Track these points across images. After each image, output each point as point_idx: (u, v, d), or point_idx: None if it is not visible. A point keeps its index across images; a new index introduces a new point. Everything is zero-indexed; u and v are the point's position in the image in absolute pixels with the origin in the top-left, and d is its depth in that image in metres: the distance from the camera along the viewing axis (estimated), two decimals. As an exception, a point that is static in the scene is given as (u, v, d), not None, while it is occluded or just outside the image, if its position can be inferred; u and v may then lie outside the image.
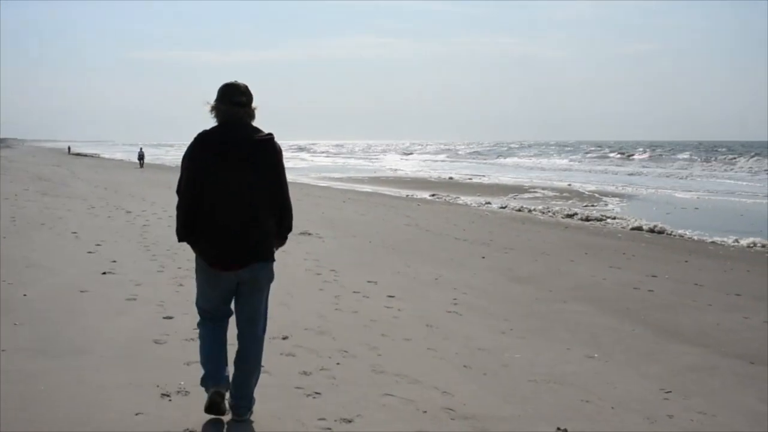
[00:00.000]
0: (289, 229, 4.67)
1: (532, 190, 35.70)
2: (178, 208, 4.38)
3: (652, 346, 7.41)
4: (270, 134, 4.42)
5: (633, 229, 20.43)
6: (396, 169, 59.99)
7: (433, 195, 31.33)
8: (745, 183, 43.81)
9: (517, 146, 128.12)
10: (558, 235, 17.72)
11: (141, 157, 52.90)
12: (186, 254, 10.18)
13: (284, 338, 6.62)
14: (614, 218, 22.80)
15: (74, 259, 10.22)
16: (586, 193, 34.01)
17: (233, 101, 4.33)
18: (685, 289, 10.55)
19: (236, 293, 4.49)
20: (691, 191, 36.51)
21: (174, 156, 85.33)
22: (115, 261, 10.16)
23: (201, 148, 4.34)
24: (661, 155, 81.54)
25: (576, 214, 23.80)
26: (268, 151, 4.39)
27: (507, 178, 47.01)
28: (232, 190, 4.28)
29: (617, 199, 31.00)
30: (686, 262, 13.79)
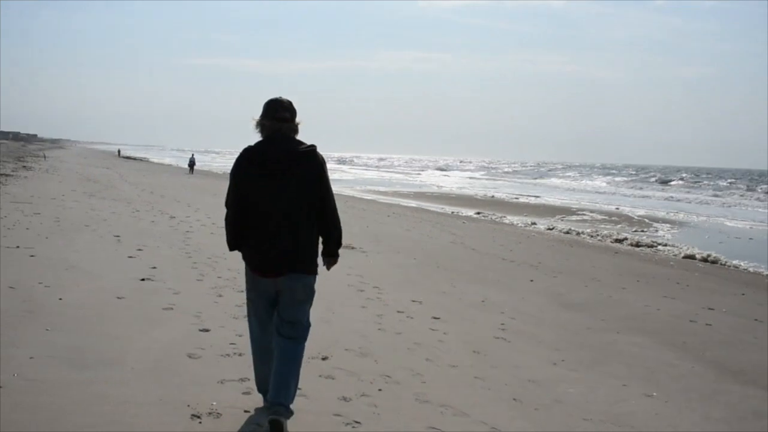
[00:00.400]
0: (339, 243, 4.76)
1: (580, 212, 35.02)
2: (226, 219, 4.62)
3: (713, 386, 6.93)
4: (312, 146, 4.55)
5: (685, 257, 19.84)
6: (440, 186, 59.50)
7: (478, 213, 30.88)
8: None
9: (561, 167, 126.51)
10: (608, 260, 17.16)
11: (192, 163, 52.89)
12: (227, 263, 9.97)
13: (324, 359, 6.29)
14: (665, 245, 22.20)
15: (114, 264, 10.02)
16: (636, 217, 33.26)
17: (277, 117, 4.50)
18: (745, 325, 10.02)
19: (277, 302, 4.63)
20: (742, 220, 35.47)
21: (220, 164, 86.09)
22: (155, 267, 9.93)
23: (246, 163, 4.49)
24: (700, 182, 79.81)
25: (626, 239, 23.20)
26: (310, 162, 4.51)
27: (552, 199, 46.20)
28: (274, 202, 4.41)
29: (668, 225, 30.23)
30: (743, 295, 13.21)
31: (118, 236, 12.86)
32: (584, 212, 35.45)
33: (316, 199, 4.53)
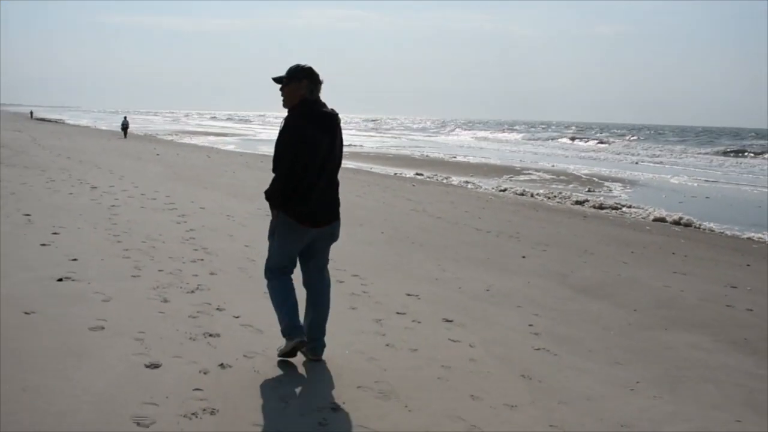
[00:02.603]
0: None
1: (526, 171, 33.67)
2: (285, 178, 4.75)
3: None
4: (336, 111, 5.00)
5: (655, 220, 18.86)
6: (362, 145, 57.21)
7: (418, 174, 29.08)
8: (734, 169, 42.23)
9: (481, 124, 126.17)
10: (583, 226, 15.67)
11: (125, 126, 47.92)
12: (166, 248, 8.11)
13: (334, 409, 4.28)
14: (629, 207, 21.00)
15: (23, 257, 7.79)
16: (584, 177, 31.96)
17: (320, 82, 4.92)
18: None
19: (308, 248, 5.06)
20: (682, 176, 34.68)
21: (158, 127, 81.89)
22: (75, 259, 7.75)
23: (308, 123, 4.80)
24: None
25: (587, 200, 21.92)
26: (339, 124, 5.02)
27: (481, 158, 44.71)
28: (326, 158, 4.86)
29: (618, 184, 29.06)
30: (749, 266, 11.85)
31: (28, 215, 10.52)
32: (529, 171, 34.14)
33: (341, 156, 5.10)
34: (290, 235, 4.91)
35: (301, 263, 5.15)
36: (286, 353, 5.02)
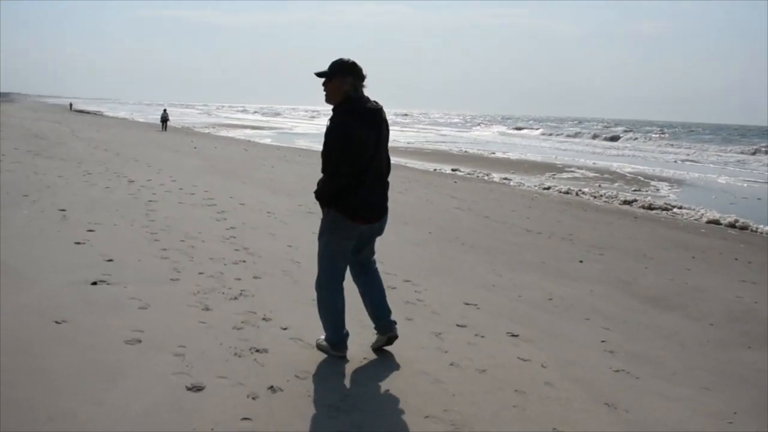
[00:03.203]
0: None
1: (568, 169, 32.82)
2: (335, 176, 4.70)
3: None
4: (381, 105, 4.92)
5: (709, 222, 18.07)
6: (394, 139, 56.58)
7: (454, 170, 28.41)
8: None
9: (529, 120, 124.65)
10: (635, 228, 14.94)
11: (165, 119, 46.75)
12: (206, 247, 7.70)
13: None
14: (680, 207, 20.24)
15: (56, 256, 7.34)
16: (629, 175, 31.07)
17: (364, 77, 4.85)
18: None
19: (359, 243, 5.07)
20: (732, 176, 33.67)
21: (194, 120, 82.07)
22: (111, 260, 7.26)
23: (355, 120, 4.71)
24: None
25: (635, 200, 21.15)
26: (386, 119, 4.96)
27: (524, 154, 43.83)
28: (374, 153, 4.81)
29: (665, 183, 28.16)
30: (820, 273, 10.95)
31: (63, 210, 10.08)
32: (572, 168, 33.31)
33: (387, 151, 5.02)
34: (341, 232, 4.87)
35: (351, 258, 5.14)
36: (321, 349, 5.19)
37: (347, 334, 5.10)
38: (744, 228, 17.26)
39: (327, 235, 4.92)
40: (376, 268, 5.34)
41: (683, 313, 7.72)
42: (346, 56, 4.84)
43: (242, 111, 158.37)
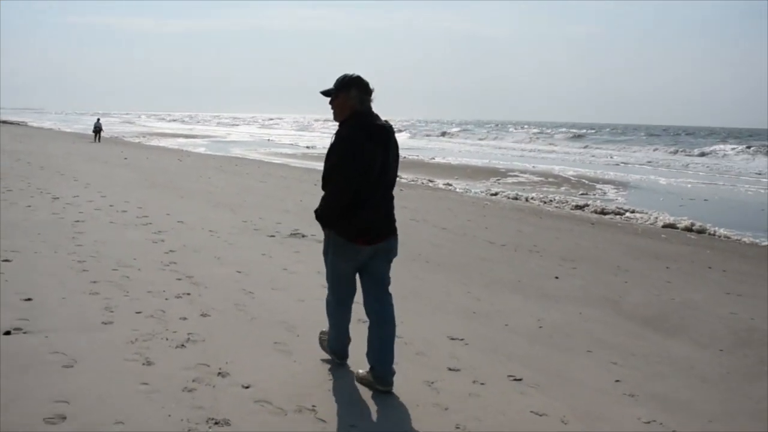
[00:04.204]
0: None
1: (511, 173, 32.26)
2: (339, 194, 4.47)
3: None
4: (390, 123, 4.70)
5: (665, 226, 17.65)
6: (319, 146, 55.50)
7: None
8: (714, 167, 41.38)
9: (456, 127, 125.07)
10: (598, 236, 14.36)
11: (98, 129, 43.84)
12: (143, 276, 6.56)
13: None
14: (633, 212, 19.83)
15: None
16: (572, 179, 30.69)
17: (370, 92, 4.64)
18: None
19: (367, 267, 4.74)
20: (672, 178, 33.64)
21: (124, 129, 79.46)
22: (29, 299, 6.07)
23: (362, 135, 4.49)
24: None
25: (586, 205, 20.69)
26: (394, 136, 4.69)
27: (457, 159, 43.31)
28: (378, 171, 4.51)
29: (610, 186, 27.83)
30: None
31: (-26, 235, 8.74)
32: (515, 173, 32.79)
33: (397, 169, 4.77)
34: (343, 254, 4.66)
35: (362, 284, 4.86)
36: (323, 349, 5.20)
37: (349, 341, 5.07)
38: (701, 231, 16.94)
39: (331, 256, 4.72)
40: (390, 304, 4.87)
41: (687, 337, 6.94)
42: (350, 71, 4.69)
43: (162, 119, 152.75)
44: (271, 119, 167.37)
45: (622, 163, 46.48)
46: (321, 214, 4.59)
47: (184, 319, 5.93)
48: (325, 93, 4.69)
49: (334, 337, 5.02)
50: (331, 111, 4.69)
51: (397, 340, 5.62)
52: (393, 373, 4.75)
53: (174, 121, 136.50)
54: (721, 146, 61.71)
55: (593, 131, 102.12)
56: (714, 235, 16.55)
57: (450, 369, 5.27)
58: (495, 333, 6.43)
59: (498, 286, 8.50)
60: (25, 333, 5.21)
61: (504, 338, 6.28)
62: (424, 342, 5.89)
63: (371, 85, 4.65)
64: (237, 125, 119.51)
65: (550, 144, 72.46)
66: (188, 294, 6.77)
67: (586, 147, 66.46)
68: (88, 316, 5.76)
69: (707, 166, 45.12)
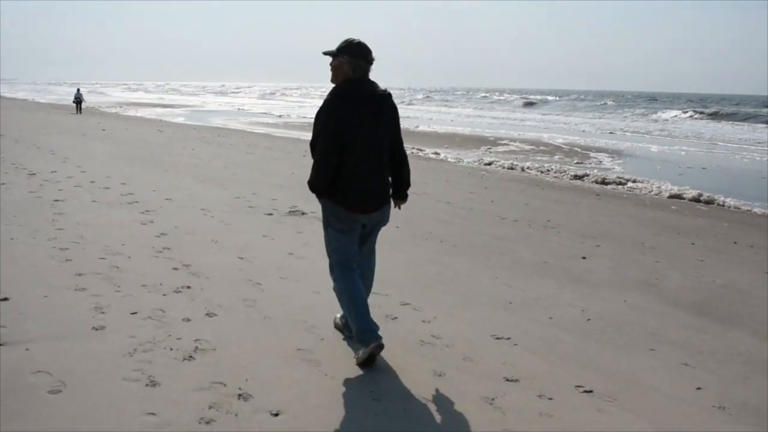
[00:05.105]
0: (409, 183, 4.90)
1: (501, 142, 31.46)
2: (322, 162, 4.44)
3: None
4: (388, 91, 4.61)
5: (672, 197, 17.01)
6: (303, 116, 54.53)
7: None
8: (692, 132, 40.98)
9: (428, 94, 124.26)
10: (607, 208, 13.72)
11: (78, 100, 41.66)
12: (134, 266, 5.75)
13: None
14: (634, 181, 19.15)
15: None
16: (564, 147, 29.94)
17: (368, 59, 4.55)
18: None
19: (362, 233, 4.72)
20: (664, 145, 33.14)
21: (103, 99, 77.70)
22: (5, 299, 5.19)
23: (345, 104, 4.41)
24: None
25: (586, 175, 20.01)
26: (392, 105, 4.62)
27: (444, 128, 42.47)
28: (369, 141, 4.46)
29: (605, 155, 27.19)
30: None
31: (-59, 221, 7.80)
32: (504, 141, 32.03)
33: (396, 139, 4.70)
34: (342, 223, 4.61)
35: None
36: (364, 361, 4.51)
37: (376, 325, 4.61)
38: (710, 202, 16.32)
39: (329, 227, 4.68)
40: (372, 269, 5.03)
41: (746, 327, 6.25)
42: (354, 36, 4.59)
43: (130, 89, 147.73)
44: (239, 88, 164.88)
45: (607, 131, 45.76)
46: (312, 186, 4.55)
47: (188, 320, 5.07)
48: (327, 53, 4.63)
49: (354, 317, 4.60)
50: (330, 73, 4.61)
51: (436, 342, 4.89)
52: (377, 328, 4.67)
53: (140, 91, 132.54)
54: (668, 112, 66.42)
55: (557, 98, 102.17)
56: (723, 206, 15.89)
57: (507, 379, 4.47)
58: (541, 329, 5.64)
59: (525, 269, 7.72)
60: (1, 345, 4.33)
61: (553, 335, 5.49)
62: (466, 344, 5.08)
63: (372, 54, 4.56)
64: (200, 94, 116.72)
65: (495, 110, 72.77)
66: (188, 287, 5.91)
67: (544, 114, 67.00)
68: (75, 320, 4.89)
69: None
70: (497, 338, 5.30)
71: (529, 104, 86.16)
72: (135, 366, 4.16)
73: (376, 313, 5.55)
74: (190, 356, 4.38)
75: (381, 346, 4.52)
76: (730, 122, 56.27)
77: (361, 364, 4.52)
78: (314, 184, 4.54)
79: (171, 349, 4.48)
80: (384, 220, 4.81)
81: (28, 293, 5.41)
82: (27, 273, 5.98)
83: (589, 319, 6.02)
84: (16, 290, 5.44)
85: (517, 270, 7.67)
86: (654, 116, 64.00)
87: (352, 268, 4.73)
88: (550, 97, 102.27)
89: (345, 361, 4.56)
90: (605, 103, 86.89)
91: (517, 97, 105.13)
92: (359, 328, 4.54)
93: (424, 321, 5.57)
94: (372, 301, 5.79)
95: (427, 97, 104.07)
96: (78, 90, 44.21)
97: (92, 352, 4.31)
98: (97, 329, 4.74)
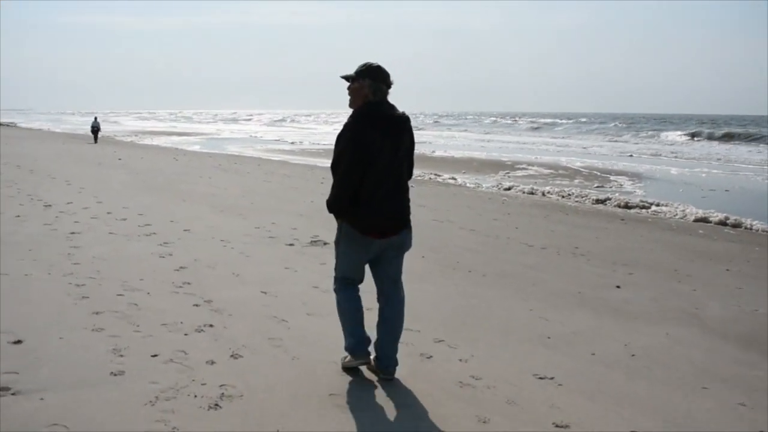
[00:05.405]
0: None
1: (519, 166, 31.13)
2: (342, 183, 4.43)
3: None
4: (406, 114, 4.62)
5: (697, 220, 16.48)
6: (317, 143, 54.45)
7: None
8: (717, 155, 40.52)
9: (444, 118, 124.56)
10: (635, 233, 13.36)
11: (95, 129, 41.14)
12: (156, 309, 5.21)
13: None
14: (658, 205, 18.63)
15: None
16: (583, 170, 29.58)
17: (388, 83, 4.56)
18: None
19: (378, 259, 4.67)
20: (682, 168, 32.72)
21: (114, 129, 78.14)
22: (18, 342, 4.91)
23: (367, 126, 4.41)
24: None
25: (608, 199, 19.54)
26: (410, 128, 4.64)
27: (460, 153, 42.23)
28: (389, 164, 4.46)
29: (625, 178, 26.77)
30: None
31: (-46, 256, 7.55)
32: (522, 165, 31.69)
33: (412, 161, 4.71)
34: (354, 245, 4.60)
35: (373, 275, 4.80)
36: (348, 368, 4.81)
37: (368, 340, 4.74)
38: (737, 226, 15.90)
39: (341, 247, 4.68)
40: (401, 299, 4.85)
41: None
42: (373, 60, 4.62)
43: (144, 119, 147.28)
44: (250, 115, 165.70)
45: (623, 153, 45.38)
46: (330, 205, 4.54)
47: (212, 363, 4.77)
48: (345, 78, 4.62)
49: (348, 332, 4.75)
50: (348, 97, 4.61)
51: (476, 383, 4.54)
52: (396, 363, 4.78)
53: (153, 120, 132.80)
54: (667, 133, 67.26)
55: (567, 121, 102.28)
56: (751, 229, 15.49)
57: (557, 425, 4.14)
58: (584, 366, 5.30)
59: (560, 301, 7.39)
60: (14, 394, 4.05)
61: (598, 374, 5.15)
62: (508, 385, 4.75)
63: (391, 78, 4.57)
64: (212, 122, 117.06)
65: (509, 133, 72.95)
66: (210, 326, 5.62)
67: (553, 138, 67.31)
68: (92, 364, 4.60)
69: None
70: (540, 378, 4.97)
71: (539, 128, 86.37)
72: (157, 416, 3.85)
73: (409, 351, 5.25)
74: (216, 404, 4.07)
75: (368, 363, 4.78)
76: (743, 143, 55.86)
77: (345, 368, 4.86)
78: (333, 205, 4.54)
79: (195, 396, 4.17)
80: (405, 245, 4.74)
81: (43, 335, 5.13)
82: (42, 312, 5.71)
83: (633, 355, 5.68)
84: (31, 331, 5.17)
85: (552, 301, 7.34)
86: (666, 138, 63.86)
87: (355, 284, 4.78)
88: (560, 120, 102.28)
89: (382, 407, 4.25)
90: (615, 125, 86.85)
91: (527, 120, 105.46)
92: (351, 343, 4.72)
93: (461, 360, 5.25)
94: (404, 338, 5.48)
95: (437, 122, 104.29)
96: (95, 119, 43.84)
97: (111, 402, 4.01)
98: (115, 374, 4.44)
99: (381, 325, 4.78)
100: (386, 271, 4.76)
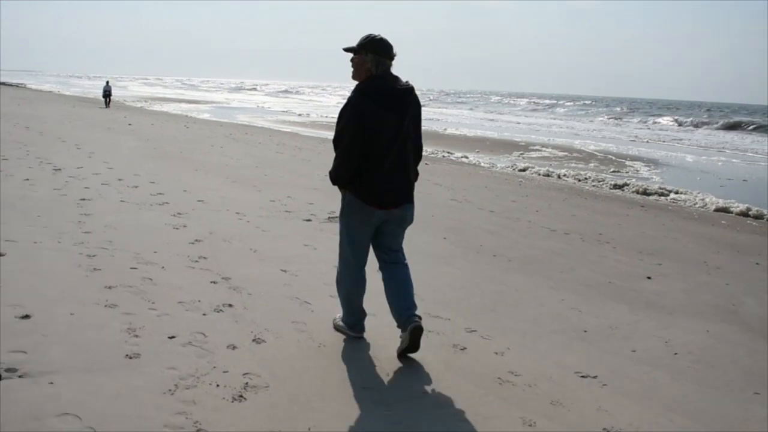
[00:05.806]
0: (416, 175, 4.78)
1: (533, 147, 30.72)
2: (345, 156, 4.45)
3: None
4: (411, 85, 4.55)
5: (717, 210, 16.19)
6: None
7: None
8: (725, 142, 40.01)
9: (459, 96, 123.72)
10: (656, 221, 13.06)
11: (107, 93, 40.47)
12: (172, 285, 4.86)
13: None
14: (677, 192, 18.19)
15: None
16: (598, 154, 29.15)
17: (391, 56, 4.54)
18: None
19: (380, 231, 4.67)
20: (697, 155, 32.27)
21: (131, 92, 77.62)
22: (26, 317, 4.57)
23: (369, 99, 4.40)
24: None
25: (626, 184, 19.22)
26: (416, 100, 4.60)
27: (472, 131, 41.76)
28: (392, 136, 4.45)
29: (641, 163, 26.35)
30: None
31: (-38, 220, 7.23)
32: (536, 147, 31.29)
33: (418, 134, 4.67)
34: (357, 214, 4.57)
35: (374, 248, 4.78)
36: (341, 332, 4.92)
37: (364, 315, 4.89)
38: (760, 217, 15.61)
39: (344, 217, 4.67)
40: (405, 264, 4.80)
41: None
42: (375, 32, 4.55)
43: (151, 84, 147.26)
44: (255, 85, 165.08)
45: (636, 138, 44.90)
46: (333, 178, 4.56)
47: (233, 348, 4.44)
48: (347, 49, 4.59)
49: (346, 309, 4.87)
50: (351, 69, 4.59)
51: (516, 380, 4.21)
52: (416, 308, 4.66)
53: (159, 86, 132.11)
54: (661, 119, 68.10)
55: (570, 102, 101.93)
56: (777, 221, 15.14)
57: (608, 431, 3.77)
58: (626, 364, 4.98)
59: (591, 291, 7.06)
60: (21, 377, 3.72)
61: (643, 374, 4.82)
62: (551, 383, 4.43)
63: (394, 50, 4.54)
64: (219, 91, 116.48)
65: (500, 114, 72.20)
66: (230, 306, 5.29)
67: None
68: (106, 345, 4.27)
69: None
70: (582, 376, 4.65)
71: (542, 109, 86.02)
72: (177, 408, 3.52)
73: (441, 341, 4.94)
74: (240, 396, 3.74)
75: (361, 338, 4.90)
76: (755, 133, 55.36)
77: (338, 329, 5.01)
78: (336, 177, 4.56)
79: (217, 385, 3.84)
80: (406, 220, 4.72)
81: (52, 309, 4.81)
82: (51, 284, 5.38)
83: (676, 354, 5.36)
84: (39, 306, 4.84)
85: (583, 292, 7.00)
86: (675, 125, 63.51)
87: (359, 264, 4.75)
88: (565, 102, 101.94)
89: (420, 403, 3.93)
90: (621, 109, 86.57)
91: (525, 101, 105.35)
92: (351, 320, 4.89)
93: (496, 353, 4.92)
94: (434, 326, 5.18)
95: (436, 99, 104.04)
96: (107, 83, 43.27)
97: (127, 389, 3.68)
98: (131, 357, 4.12)
99: (391, 288, 4.72)
100: (388, 243, 4.75)
